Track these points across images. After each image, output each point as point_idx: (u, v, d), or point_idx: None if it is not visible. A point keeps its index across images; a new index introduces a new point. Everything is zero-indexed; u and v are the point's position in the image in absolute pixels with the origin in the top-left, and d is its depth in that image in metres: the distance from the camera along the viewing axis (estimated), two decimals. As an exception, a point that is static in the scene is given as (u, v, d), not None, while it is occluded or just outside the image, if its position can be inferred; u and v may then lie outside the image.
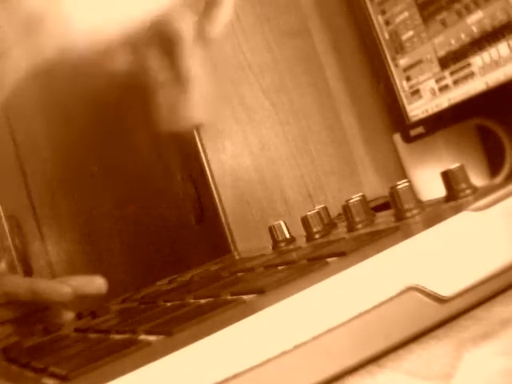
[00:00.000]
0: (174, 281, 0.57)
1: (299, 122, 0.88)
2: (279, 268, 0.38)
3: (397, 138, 0.83)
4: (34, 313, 0.60)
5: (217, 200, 0.83)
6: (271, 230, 0.52)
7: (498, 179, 0.74)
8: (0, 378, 0.40)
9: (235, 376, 0.26)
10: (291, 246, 0.48)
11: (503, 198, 0.31)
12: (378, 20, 0.79)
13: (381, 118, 0.88)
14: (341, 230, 0.45)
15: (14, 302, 0.59)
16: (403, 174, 0.84)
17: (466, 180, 0.35)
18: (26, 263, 1.30)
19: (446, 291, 0.29)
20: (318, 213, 0.47)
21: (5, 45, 0.39)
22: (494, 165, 0.77)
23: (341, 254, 0.33)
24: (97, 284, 0.60)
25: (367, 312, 0.28)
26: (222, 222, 0.83)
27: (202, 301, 0.36)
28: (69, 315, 0.59)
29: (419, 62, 0.75)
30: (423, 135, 0.77)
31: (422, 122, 0.77)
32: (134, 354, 0.29)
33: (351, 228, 0.41)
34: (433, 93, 0.74)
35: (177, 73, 0.49)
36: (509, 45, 0.64)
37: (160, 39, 0.49)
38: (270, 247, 0.52)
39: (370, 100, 0.89)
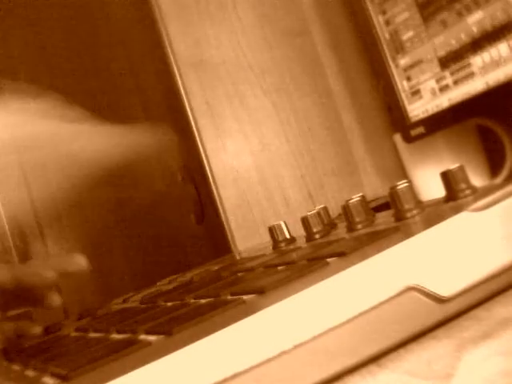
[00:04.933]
0: (175, 281, 0.57)
1: (299, 121, 0.88)
2: (279, 268, 0.38)
3: (397, 138, 0.83)
4: (18, 296, 0.60)
5: (217, 200, 0.83)
6: (271, 230, 0.52)
7: (498, 179, 0.74)
8: (0, 377, 0.40)
9: (235, 376, 0.26)
10: (291, 246, 0.48)
11: (503, 198, 0.31)
12: (378, 20, 0.79)
13: (381, 118, 0.88)
14: (341, 230, 0.45)
15: None
16: (403, 174, 0.84)
17: (466, 180, 0.35)
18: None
19: (445, 291, 0.29)
20: (318, 213, 0.47)
21: None
22: (494, 165, 0.77)
23: (341, 254, 0.33)
24: (77, 261, 0.60)
25: (367, 312, 0.28)
26: (223, 222, 0.83)
27: (202, 301, 0.36)
28: (56, 298, 0.59)
29: (419, 62, 0.75)
30: (423, 135, 0.77)
31: (423, 122, 0.77)
32: (134, 353, 0.29)
33: (351, 228, 0.41)
34: (433, 93, 0.74)
35: None
36: (509, 45, 0.64)
37: None
38: (270, 247, 0.52)
39: (371, 100, 0.89)
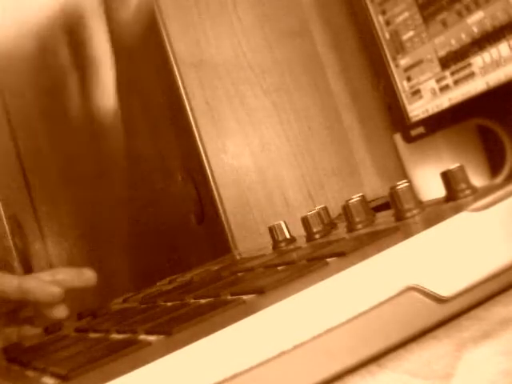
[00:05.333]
0: (175, 281, 0.57)
1: (300, 121, 0.88)
2: (279, 268, 0.38)
3: (397, 137, 0.83)
4: (22, 308, 0.59)
5: (217, 200, 0.83)
6: (271, 229, 0.52)
7: (498, 179, 0.74)
8: (0, 377, 0.40)
9: (235, 376, 0.26)
10: (291, 246, 0.48)
11: (503, 198, 0.31)
12: (378, 20, 0.79)
13: (381, 118, 0.88)
14: (341, 230, 0.45)
15: (2, 299, 0.58)
16: (403, 174, 0.84)
17: (466, 180, 0.35)
18: (26, 263, 1.30)
19: (445, 291, 0.29)
20: (318, 213, 0.47)
21: None
22: (494, 165, 0.77)
23: (341, 254, 0.33)
24: (86, 277, 0.59)
25: (367, 312, 0.28)
26: (223, 222, 0.83)
27: (202, 301, 0.36)
28: (61, 310, 0.58)
29: (420, 62, 0.75)
30: (424, 135, 0.77)
31: (423, 122, 0.77)
32: (133, 353, 0.29)
33: (351, 228, 0.41)
34: (433, 93, 0.74)
35: None
36: (509, 45, 0.64)
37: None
38: (270, 247, 0.52)
39: (371, 100, 0.89)
